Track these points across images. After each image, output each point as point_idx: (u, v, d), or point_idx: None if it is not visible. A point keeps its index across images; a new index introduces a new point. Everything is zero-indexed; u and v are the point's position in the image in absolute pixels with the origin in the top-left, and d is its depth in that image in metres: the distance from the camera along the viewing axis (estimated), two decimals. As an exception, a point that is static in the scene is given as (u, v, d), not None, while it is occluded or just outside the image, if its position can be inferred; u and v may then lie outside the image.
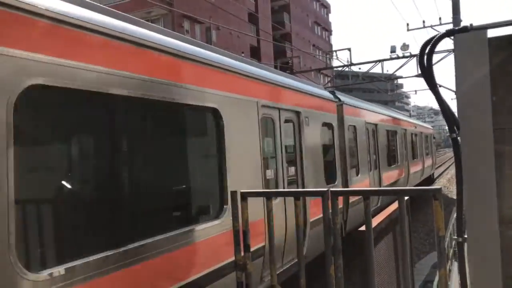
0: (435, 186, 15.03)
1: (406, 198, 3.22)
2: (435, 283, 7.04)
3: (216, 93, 5.37)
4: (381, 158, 13.49)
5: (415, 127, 21.09)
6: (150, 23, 4.84)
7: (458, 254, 3.77)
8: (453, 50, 3.00)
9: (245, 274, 3.62)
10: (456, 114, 3.85)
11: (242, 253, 3.61)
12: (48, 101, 3.53)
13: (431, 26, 21.98)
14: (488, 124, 2.76)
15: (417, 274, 9.79)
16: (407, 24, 23.18)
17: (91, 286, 3.45)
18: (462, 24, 16.27)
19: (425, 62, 3.56)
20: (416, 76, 22.19)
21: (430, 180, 26.41)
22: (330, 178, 9.09)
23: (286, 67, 36.78)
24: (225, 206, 5.32)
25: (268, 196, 3.59)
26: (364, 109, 12.49)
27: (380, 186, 12.85)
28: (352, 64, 24.76)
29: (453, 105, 3.39)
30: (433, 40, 3.50)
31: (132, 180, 4.17)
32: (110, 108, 3.98)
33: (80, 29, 3.62)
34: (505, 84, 2.77)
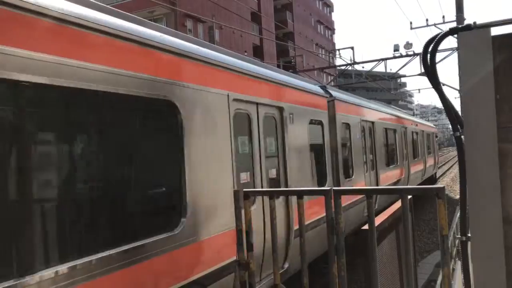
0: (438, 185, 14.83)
1: (409, 197, 3.21)
2: (439, 282, 7.02)
3: (170, 82, 4.48)
4: (378, 158, 12.69)
5: (416, 125, 20.29)
6: None
7: (462, 253, 3.76)
8: (457, 49, 2.99)
9: (248, 273, 3.63)
10: (459, 112, 3.84)
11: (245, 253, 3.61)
12: None
13: (435, 25, 21.94)
14: (491, 123, 2.75)
15: (420, 273, 9.77)
16: (411, 23, 23.17)
17: None
18: (466, 22, 16.21)
19: (429, 61, 3.55)
20: (420, 74, 22.15)
21: (432, 180, 25.72)
22: (319, 180, 8.42)
23: (289, 66, 36.73)
24: (182, 219, 4.45)
25: (271, 195, 3.59)
26: (359, 105, 11.69)
27: (377, 185, 12.27)
28: (355, 63, 24.75)
29: (457, 104, 3.38)
30: (437, 38, 3.49)
31: (56, 194, 3.42)
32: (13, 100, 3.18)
33: None
34: (509, 82, 2.76)
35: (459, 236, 3.82)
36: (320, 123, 8.64)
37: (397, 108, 20.11)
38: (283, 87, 7.17)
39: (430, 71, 3.58)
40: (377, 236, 3.01)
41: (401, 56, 23.44)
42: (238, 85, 5.81)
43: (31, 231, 3.13)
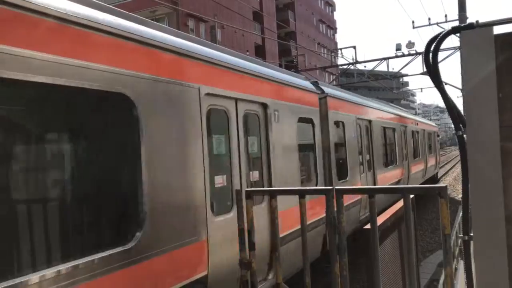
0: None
1: (411, 196, 3.21)
2: (441, 281, 7.01)
3: (124, 73, 3.88)
4: (376, 158, 12.06)
5: (417, 124, 19.69)
6: None
7: (464, 252, 3.75)
8: (459, 48, 2.99)
9: (250, 273, 3.63)
10: (462, 111, 3.83)
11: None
12: None
13: (437, 24, 21.91)
14: (494, 121, 2.74)
15: (423, 272, 9.76)
16: (413, 22, 23.15)
17: None
18: (468, 21, 16.17)
19: (431, 60, 3.54)
20: (422, 74, 22.10)
21: (434, 180, 25.26)
22: (309, 182, 7.91)
23: (291, 66, 36.72)
24: (137, 233, 3.86)
25: (272, 194, 3.59)
26: (355, 103, 11.02)
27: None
28: (357, 62, 24.72)
29: (459, 103, 3.37)
30: (439, 37, 3.48)
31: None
32: None
33: None
34: (511, 80, 2.75)
35: (462, 235, 3.81)
36: (310, 121, 8.05)
37: (397, 106, 19.45)
38: (268, 82, 6.57)
39: (432, 70, 3.58)
40: (379, 236, 3.00)
41: (403, 55, 23.41)
42: (212, 78, 5.20)
43: None
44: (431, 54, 3.53)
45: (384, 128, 13.50)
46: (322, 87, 8.94)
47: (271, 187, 6.30)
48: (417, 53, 22.66)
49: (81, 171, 3.70)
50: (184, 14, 34.46)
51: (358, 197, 9.77)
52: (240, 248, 3.64)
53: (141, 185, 3.96)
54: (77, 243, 3.51)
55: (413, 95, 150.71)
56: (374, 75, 30.91)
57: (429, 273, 10.09)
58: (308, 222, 6.91)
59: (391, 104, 18.44)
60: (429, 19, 22.38)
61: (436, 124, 34.59)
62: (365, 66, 30.46)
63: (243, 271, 3.65)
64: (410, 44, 23.94)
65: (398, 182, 14.66)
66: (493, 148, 2.73)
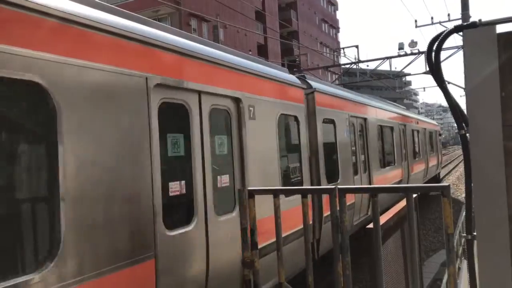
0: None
1: (414, 195, 3.20)
2: (445, 281, 7.00)
3: (38, 56, 3.16)
4: (372, 159, 11.34)
5: (417, 123, 18.91)
6: None
7: (467, 251, 3.75)
8: (462, 47, 2.98)
9: (253, 272, 3.63)
10: (464, 110, 3.83)
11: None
12: None
13: (440, 23, 21.84)
14: (497, 121, 2.73)
15: (426, 272, 9.75)
16: (415, 21, 23.07)
17: None
18: (471, 20, 16.11)
19: (433, 59, 3.54)
20: (425, 73, 22.06)
21: (436, 180, 24.68)
22: (293, 186, 7.17)
23: (293, 65, 36.73)
24: (48, 261, 3.10)
25: (275, 194, 3.60)
26: (348, 99, 10.21)
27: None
28: (359, 62, 24.69)
29: (462, 102, 3.37)
30: (441, 36, 3.48)
31: None
32: None
33: None
34: (514, 80, 2.74)
35: (465, 234, 3.81)
36: (294, 118, 7.33)
37: (395, 104, 18.79)
38: (241, 74, 5.79)
39: (434, 69, 3.57)
40: (382, 235, 3.00)
41: (406, 54, 23.35)
42: (166, 67, 4.45)
43: None
44: (433, 53, 3.53)
45: (381, 127, 12.87)
46: (310, 82, 8.27)
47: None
48: (419, 52, 22.60)
49: None
50: (186, 14, 34.50)
51: (351, 200, 9.12)
52: (243, 247, 3.65)
53: (57, 195, 3.20)
54: None
55: (415, 94, 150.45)
56: (377, 74, 30.90)
57: (432, 272, 10.08)
58: (293, 231, 6.44)
59: (389, 101, 17.78)
60: (431, 18, 22.28)
61: (439, 123, 34.48)
62: (367, 66, 30.43)
63: (245, 270, 3.66)
64: (413, 43, 23.89)
65: (397, 184, 13.86)
66: (496, 147, 2.72)
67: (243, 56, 6.34)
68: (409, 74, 26.48)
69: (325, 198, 7.56)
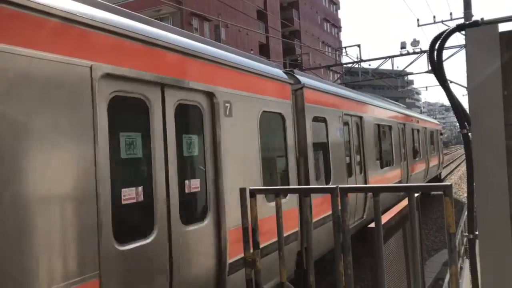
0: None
1: (416, 194, 3.20)
2: (446, 280, 6.99)
3: None
4: (368, 159, 10.78)
5: (417, 122, 18.37)
6: None
7: (469, 251, 3.74)
8: (464, 46, 2.97)
9: (255, 271, 3.63)
10: (467, 109, 3.82)
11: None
12: None
13: (442, 22, 21.81)
14: (499, 120, 2.72)
15: (428, 271, 9.74)
16: (418, 20, 23.05)
17: None
18: (474, 19, 16.06)
19: (435, 57, 3.53)
20: (427, 72, 22.02)
21: (437, 181, 23.90)
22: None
23: (295, 64, 36.70)
24: None
25: (277, 193, 3.60)
26: (341, 96, 9.57)
27: (367, 194, 10.09)
28: (361, 61, 24.65)
29: (465, 102, 3.36)
30: (443, 35, 3.47)
31: None
32: None
33: None
34: (517, 78, 2.73)
35: (467, 234, 3.80)
36: (280, 116, 6.75)
37: (394, 102, 18.07)
38: (216, 66, 5.21)
39: (437, 68, 3.56)
40: (383, 234, 2.99)
41: (408, 53, 23.30)
42: (119, 55, 3.87)
43: None
44: (435, 52, 3.52)
45: (379, 126, 12.26)
46: (299, 77, 7.70)
47: (219, 198, 5.01)
48: (422, 51, 22.55)
49: None
50: (188, 13, 34.51)
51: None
52: (245, 247, 3.65)
53: None
54: None
55: (418, 93, 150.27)
56: (379, 73, 30.85)
57: (434, 272, 10.07)
58: (286, 234, 5.73)
59: (387, 99, 17.21)
60: (434, 17, 22.24)
61: (441, 122, 34.40)
62: (369, 65, 30.46)
63: (247, 269, 3.66)
64: (415, 42, 23.81)
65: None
66: (498, 147, 2.71)
67: (220, 47, 5.66)
68: (411, 73, 26.42)
69: (315, 201, 7.05)
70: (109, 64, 3.75)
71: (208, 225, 4.82)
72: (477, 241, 3.37)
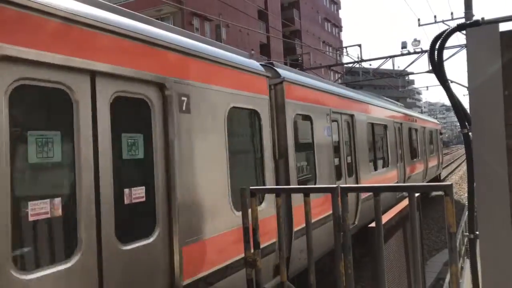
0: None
1: (416, 194, 3.20)
2: (447, 280, 6.99)
3: None
4: (360, 161, 10.02)
5: (415, 121, 17.64)
6: None
7: (470, 251, 3.74)
8: (465, 45, 2.97)
9: (255, 271, 3.63)
10: (467, 109, 3.82)
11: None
12: None
13: (443, 21, 21.80)
14: (500, 119, 2.72)
15: (429, 271, 9.74)
16: (418, 20, 23.04)
17: None
18: (475, 19, 16.02)
19: (436, 57, 3.53)
20: (428, 72, 22.03)
21: (436, 181, 23.18)
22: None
23: (296, 64, 36.70)
24: None
25: (277, 193, 3.60)
26: (329, 92, 8.76)
27: (358, 199, 9.44)
28: (362, 61, 24.65)
29: (466, 102, 3.36)
30: (444, 34, 3.47)
31: None
32: None
33: None
34: (517, 78, 2.73)
35: (468, 234, 3.80)
36: (254, 113, 5.98)
37: (391, 100, 17.28)
38: (168, 52, 4.43)
39: (437, 68, 3.56)
40: (384, 234, 2.99)
41: (409, 53, 23.31)
42: (26, 34, 3.12)
43: None
44: (436, 51, 3.52)
45: (372, 125, 11.50)
46: (279, 70, 6.92)
47: (172, 209, 4.24)
48: (422, 51, 22.56)
49: None
50: (189, 13, 34.53)
51: (326, 212, 7.59)
52: (245, 247, 3.65)
53: None
54: None
55: (419, 93, 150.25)
56: (380, 73, 30.85)
57: (435, 271, 10.07)
58: (262, 246, 4.85)
59: (384, 97, 16.50)
60: (435, 17, 22.29)
61: (442, 122, 34.33)
62: (370, 65, 30.45)
63: (248, 269, 3.66)
64: (416, 42, 23.81)
65: None
66: (499, 146, 2.71)
67: (176, 31, 4.87)
68: (412, 73, 26.41)
69: (296, 208, 6.46)
70: (10, 45, 2.98)
71: (156, 242, 4.05)
72: (477, 240, 3.37)
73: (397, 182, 13.55)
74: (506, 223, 2.68)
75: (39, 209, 3.17)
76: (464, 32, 3.18)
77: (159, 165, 4.22)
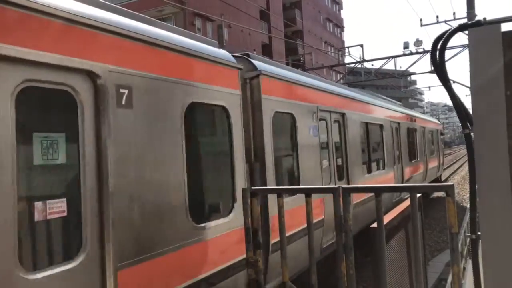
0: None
1: (418, 195, 3.19)
2: (449, 280, 6.98)
3: None
4: (352, 163, 9.30)
5: (414, 120, 16.93)
6: None
7: (472, 251, 3.73)
8: (467, 45, 2.97)
9: (256, 271, 3.64)
10: (469, 109, 3.81)
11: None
12: None
13: (445, 21, 21.78)
14: (502, 120, 2.71)
15: (431, 271, 9.74)
16: (421, 20, 23.03)
17: None
18: (477, 19, 15.97)
19: (438, 57, 3.52)
20: (430, 72, 22.01)
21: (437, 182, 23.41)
22: (213, 207, 5.14)
23: (298, 64, 36.69)
24: None
25: (279, 193, 3.60)
26: (316, 88, 7.98)
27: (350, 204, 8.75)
28: (364, 61, 24.64)
29: (468, 102, 3.36)
30: (446, 35, 3.46)
31: None
32: None
33: None
34: (519, 78, 2.73)
35: (470, 234, 3.79)
36: (222, 110, 5.30)
37: (387, 98, 16.50)
38: (102, 34, 3.67)
39: (439, 68, 3.56)
40: (386, 234, 2.99)
41: (411, 53, 23.29)
42: None
43: None
44: (438, 51, 3.51)
45: (366, 124, 10.77)
46: (255, 62, 6.17)
47: (105, 226, 3.50)
48: (424, 51, 22.55)
49: None
50: (191, 14, 34.56)
51: (319, 216, 7.22)
52: (247, 247, 3.65)
53: None
54: None
55: (421, 93, 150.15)
56: (382, 73, 30.83)
57: (437, 272, 10.06)
58: (230, 263, 4.85)
59: (381, 95, 15.85)
60: (437, 17, 22.21)
61: (444, 122, 34.28)
62: (372, 65, 30.43)
63: (249, 270, 3.66)
64: (418, 42, 23.79)
65: None
66: (501, 147, 2.70)
67: (110, 9, 3.99)
68: (414, 73, 26.39)
69: (273, 217, 5.73)
70: None
71: (82, 266, 3.32)
72: (479, 241, 3.37)
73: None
74: (508, 224, 2.68)
75: None
76: (466, 32, 3.18)
77: (88, 171, 3.46)
